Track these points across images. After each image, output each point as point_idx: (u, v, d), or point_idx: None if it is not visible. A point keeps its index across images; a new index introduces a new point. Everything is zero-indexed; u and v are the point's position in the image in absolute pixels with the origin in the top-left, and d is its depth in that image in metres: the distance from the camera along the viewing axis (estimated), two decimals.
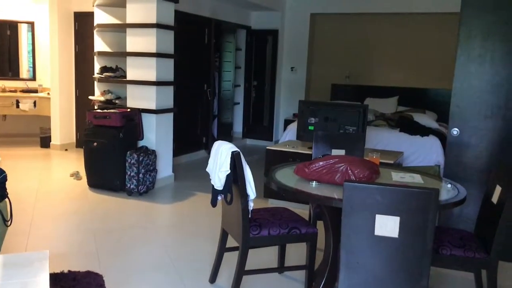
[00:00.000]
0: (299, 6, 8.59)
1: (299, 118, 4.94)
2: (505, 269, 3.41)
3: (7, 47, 8.10)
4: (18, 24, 8.09)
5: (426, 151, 5.82)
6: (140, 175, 5.07)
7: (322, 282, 2.80)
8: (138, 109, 5.37)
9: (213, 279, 3.14)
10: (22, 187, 5.35)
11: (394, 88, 8.17)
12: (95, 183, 5.32)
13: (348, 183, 2.03)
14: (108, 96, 5.90)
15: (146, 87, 5.35)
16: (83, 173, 5.54)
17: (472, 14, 3.58)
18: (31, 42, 8.19)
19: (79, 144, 7.44)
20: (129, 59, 5.44)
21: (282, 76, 8.89)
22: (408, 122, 6.37)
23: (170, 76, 5.56)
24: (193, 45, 7.12)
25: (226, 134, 8.44)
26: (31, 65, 8.26)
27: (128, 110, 5.36)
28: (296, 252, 3.58)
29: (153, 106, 5.36)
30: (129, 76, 5.46)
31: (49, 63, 7.45)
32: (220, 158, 2.75)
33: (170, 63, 5.54)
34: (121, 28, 5.58)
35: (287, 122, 8.34)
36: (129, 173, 5.09)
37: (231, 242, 3.02)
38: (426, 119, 6.58)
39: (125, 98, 5.61)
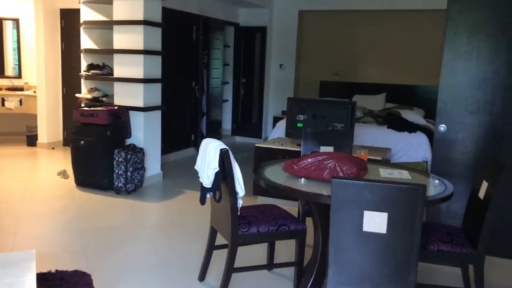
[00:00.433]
0: (287, 3, 8.58)
1: (287, 115, 4.94)
2: (492, 264, 3.44)
3: None
4: (3, 21, 7.99)
5: (413, 148, 5.87)
6: (128, 174, 5.04)
7: (311, 278, 2.81)
8: (126, 106, 5.33)
9: (202, 277, 3.13)
10: (8, 186, 5.29)
11: (382, 85, 8.22)
12: (82, 182, 5.27)
13: (336, 180, 2.03)
14: (95, 94, 5.85)
15: (133, 84, 5.31)
16: (70, 171, 5.49)
17: (458, 11, 3.61)
18: (16, 40, 8.10)
19: (66, 142, 7.37)
20: (116, 57, 5.39)
21: (271, 73, 8.89)
22: (396, 118, 6.41)
23: (157, 73, 5.53)
24: (181, 42, 7.08)
25: (215, 132, 8.42)
26: (17, 63, 8.16)
27: (116, 108, 5.32)
28: (285, 249, 3.58)
29: (140, 104, 5.32)
30: (116, 74, 5.42)
31: (35, 60, 7.37)
32: (208, 156, 2.74)
33: (157, 60, 5.50)
34: (108, 25, 5.53)
35: (276, 119, 8.34)
36: (117, 171, 5.05)
37: (220, 240, 3.01)
38: (413, 116, 6.62)
39: (113, 96, 5.57)
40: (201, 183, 2.83)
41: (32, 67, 7.72)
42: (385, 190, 2.01)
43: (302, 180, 2.68)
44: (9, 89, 7.79)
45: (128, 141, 5.37)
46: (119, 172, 5.04)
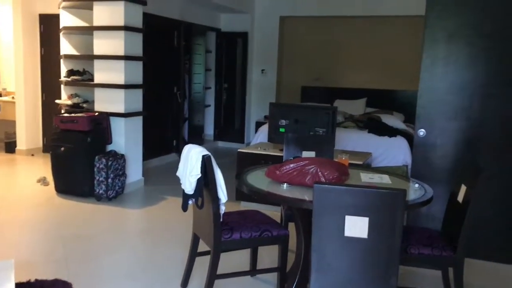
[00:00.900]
0: (268, 9, 8.63)
1: (270, 120, 4.96)
2: (471, 266, 3.50)
3: None
4: None
5: (394, 152, 5.93)
6: (109, 180, 4.99)
7: (294, 283, 2.82)
8: (106, 112, 5.29)
9: (184, 284, 3.11)
10: None
11: (363, 90, 8.31)
12: (62, 189, 5.20)
13: (318, 185, 2.05)
14: (75, 100, 5.78)
15: (114, 90, 5.27)
16: (50, 178, 5.41)
17: (436, 18, 3.68)
18: None
19: (46, 149, 7.26)
20: (97, 62, 5.35)
21: (253, 78, 8.92)
22: (377, 123, 6.48)
23: (139, 79, 5.50)
24: (162, 47, 7.06)
25: (197, 137, 8.40)
26: None
27: (96, 114, 5.26)
28: (268, 254, 3.59)
29: (121, 110, 5.28)
30: (97, 80, 5.37)
31: (13, 66, 7.25)
32: (190, 162, 2.73)
33: (138, 65, 5.47)
34: (88, 30, 5.48)
35: (258, 124, 8.35)
36: (97, 178, 5.00)
37: (202, 246, 3.00)
38: (393, 120, 6.70)
39: (93, 102, 5.52)
40: (183, 190, 2.82)
41: (10, 73, 7.60)
42: (365, 195, 2.04)
43: (285, 185, 2.69)
44: None
45: (109, 147, 5.32)
46: (100, 179, 4.99)
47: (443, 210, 3.01)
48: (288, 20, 8.86)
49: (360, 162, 4.40)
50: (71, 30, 5.74)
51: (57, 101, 6.01)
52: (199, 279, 3.18)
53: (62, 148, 5.08)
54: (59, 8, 5.85)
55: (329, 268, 2.13)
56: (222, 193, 2.72)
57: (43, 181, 5.65)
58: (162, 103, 7.17)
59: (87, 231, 4.21)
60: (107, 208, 4.85)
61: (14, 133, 7.38)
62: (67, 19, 5.82)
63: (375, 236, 2.05)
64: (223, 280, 3.08)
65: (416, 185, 2.90)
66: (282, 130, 4.86)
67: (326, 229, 2.08)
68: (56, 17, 6.18)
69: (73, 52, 5.89)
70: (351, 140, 5.94)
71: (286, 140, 3.67)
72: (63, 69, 5.91)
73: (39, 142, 7.47)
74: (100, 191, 5.00)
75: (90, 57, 5.43)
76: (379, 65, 8.39)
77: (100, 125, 5.21)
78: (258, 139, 6.16)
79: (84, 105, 5.75)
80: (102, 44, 5.26)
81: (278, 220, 3.39)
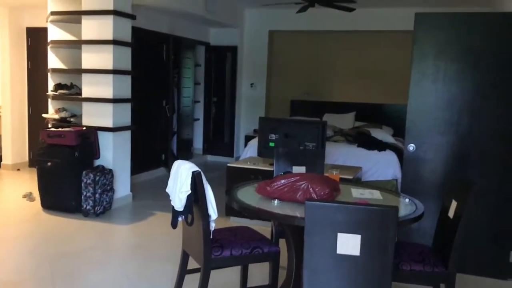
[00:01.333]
0: (258, 23, 8.67)
1: (259, 134, 4.94)
2: (463, 281, 3.49)
3: None
4: None
5: (383, 166, 5.94)
6: (97, 196, 4.92)
7: None
8: (94, 127, 5.23)
9: None
10: None
11: (351, 103, 8.35)
12: (49, 205, 5.12)
13: (310, 202, 2.03)
14: (63, 114, 5.72)
15: (102, 104, 5.22)
16: (36, 194, 5.32)
17: (424, 34, 3.71)
18: None
19: (32, 163, 7.17)
20: (85, 76, 5.30)
21: (242, 92, 8.92)
22: (366, 137, 6.50)
23: (127, 93, 5.46)
24: (151, 61, 7.04)
25: (186, 151, 8.35)
26: None
27: (84, 128, 5.21)
28: (259, 271, 3.54)
29: (109, 124, 5.23)
30: (85, 94, 5.32)
31: None
32: (180, 178, 2.69)
33: (127, 79, 5.44)
34: (77, 44, 5.44)
35: (247, 138, 8.34)
36: (85, 193, 4.93)
37: (192, 263, 2.95)
38: (382, 134, 6.73)
39: (81, 116, 5.46)
40: (173, 206, 2.77)
41: None
42: (357, 212, 2.02)
43: (276, 201, 2.67)
44: None
45: (97, 162, 5.25)
46: (87, 194, 4.91)
47: (434, 225, 3.01)
48: (277, 35, 8.91)
49: (351, 177, 4.39)
50: (59, 44, 5.71)
51: (44, 115, 5.94)
52: None
53: (49, 163, 5.01)
54: (47, 21, 5.82)
55: (321, 286, 2.10)
56: (213, 209, 2.68)
57: (29, 196, 5.55)
58: (151, 117, 7.13)
59: (74, 248, 4.13)
60: (94, 224, 4.77)
61: (0, 148, 7.27)
62: (55, 33, 5.78)
63: (367, 253, 2.03)
64: None
65: (407, 200, 2.89)
66: (271, 144, 4.84)
67: (318, 246, 2.06)
68: (43, 31, 6.15)
69: (61, 66, 5.84)
70: (340, 154, 5.95)
71: (276, 155, 3.65)
72: (51, 83, 5.86)
73: (25, 156, 7.37)
74: (88, 207, 4.93)
75: (78, 71, 5.39)
76: (367, 79, 8.46)
77: (88, 139, 5.15)
78: (247, 153, 6.14)
79: (72, 119, 5.69)
80: (91, 58, 5.23)
81: (269, 236, 3.35)
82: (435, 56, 3.71)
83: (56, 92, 5.67)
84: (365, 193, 2.97)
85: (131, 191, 5.71)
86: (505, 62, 3.58)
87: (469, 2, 6.77)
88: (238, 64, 8.71)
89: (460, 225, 2.52)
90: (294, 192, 2.63)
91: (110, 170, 5.14)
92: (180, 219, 2.80)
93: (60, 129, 5.15)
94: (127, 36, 5.36)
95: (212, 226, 2.72)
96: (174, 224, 2.80)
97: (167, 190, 2.87)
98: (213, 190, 2.70)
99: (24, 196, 5.57)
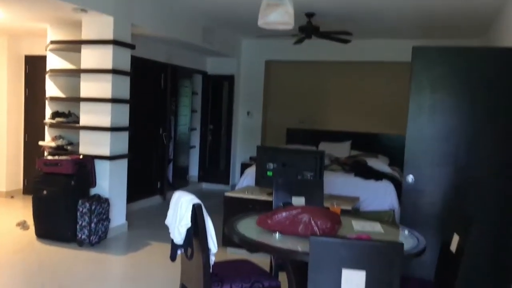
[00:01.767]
0: (254, 53, 8.77)
1: (257, 163, 4.94)
2: None
3: None
4: None
5: (380, 196, 5.92)
6: (92, 225, 4.86)
7: None
8: (91, 155, 5.20)
9: None
10: None
11: (347, 132, 8.39)
12: (43, 233, 5.04)
13: (314, 238, 2.01)
14: (60, 142, 5.70)
15: (100, 132, 5.21)
16: (30, 222, 5.25)
17: (422, 67, 3.76)
18: None
19: (26, 190, 7.10)
20: (83, 104, 5.31)
21: (239, 120, 8.95)
22: (362, 166, 6.50)
23: (125, 122, 5.46)
24: (149, 89, 7.07)
25: (181, 178, 8.31)
26: None
27: (81, 156, 5.18)
28: None
29: (107, 153, 5.21)
30: (83, 122, 5.31)
31: None
32: (180, 211, 2.67)
33: (125, 108, 5.45)
34: (76, 73, 5.47)
35: (244, 166, 8.32)
36: (80, 222, 4.87)
37: None
38: (379, 164, 6.74)
39: (77, 144, 5.43)
40: (172, 239, 2.74)
41: None
42: (362, 248, 2.00)
43: (277, 235, 2.64)
44: None
45: (93, 191, 5.20)
46: (83, 224, 4.85)
47: (433, 257, 2.98)
48: (273, 64, 9.01)
49: (349, 207, 4.38)
50: (58, 72, 5.73)
51: (40, 142, 5.91)
52: None
53: (45, 192, 4.96)
54: (46, 50, 5.85)
55: None
56: (213, 243, 2.65)
57: (23, 224, 5.47)
58: (148, 145, 7.11)
59: (69, 279, 4.05)
60: (89, 254, 4.69)
61: None
62: (54, 62, 5.82)
63: None
64: None
65: (406, 232, 2.89)
66: (269, 173, 4.84)
67: (322, 283, 2.03)
68: (41, 59, 6.18)
69: (59, 94, 5.85)
70: (337, 184, 5.93)
71: (275, 186, 3.64)
72: (48, 111, 5.85)
73: (19, 183, 7.30)
74: (83, 236, 4.86)
75: (77, 99, 5.39)
76: (363, 108, 8.53)
77: (85, 168, 5.11)
78: (244, 182, 6.11)
79: (68, 147, 5.67)
80: (89, 87, 5.24)
81: (267, 268, 3.31)
82: (432, 88, 3.75)
83: (53, 120, 5.66)
84: (366, 226, 2.96)
85: (126, 220, 5.64)
86: (502, 95, 3.63)
87: (464, 34, 6.92)
88: (235, 93, 8.77)
89: (463, 260, 2.51)
90: (296, 225, 2.61)
91: (106, 199, 5.10)
92: (179, 252, 2.76)
93: (56, 157, 5.12)
94: (127, 65, 5.40)
95: (212, 259, 2.68)
96: (173, 257, 2.77)
97: (166, 222, 2.84)
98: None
99: (18, 225, 5.49)
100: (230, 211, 4.73)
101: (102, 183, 5.22)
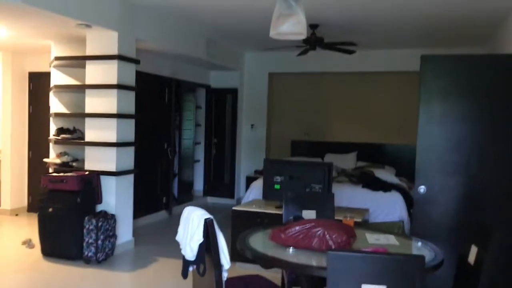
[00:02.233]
0: (257, 66, 8.77)
1: (264, 177, 4.88)
2: None
3: None
4: None
5: (389, 207, 5.86)
6: (99, 242, 4.79)
7: None
8: (97, 171, 5.16)
9: None
10: None
11: (352, 144, 8.34)
12: (49, 252, 4.97)
13: (333, 253, 1.95)
14: (65, 159, 5.66)
15: (106, 148, 5.17)
16: (36, 240, 5.19)
17: (431, 75, 3.72)
18: None
19: (31, 208, 7.05)
20: (88, 120, 5.28)
21: (243, 133, 8.92)
22: (370, 177, 6.44)
23: (131, 137, 5.43)
24: (154, 104, 7.05)
25: (186, 193, 8.25)
26: None
27: (86, 173, 5.13)
28: None
29: (113, 168, 5.17)
30: (88, 138, 5.28)
31: (0, 123, 7.14)
32: (191, 226, 2.61)
33: (131, 123, 5.42)
34: (80, 89, 5.45)
35: (248, 179, 8.26)
36: (87, 239, 4.80)
37: None
38: (386, 175, 6.67)
39: (83, 160, 5.39)
40: (183, 256, 2.68)
41: None
42: (383, 262, 1.94)
43: (291, 249, 2.58)
44: None
45: (99, 207, 5.15)
46: (90, 241, 4.79)
47: (446, 269, 2.90)
48: (277, 76, 8.99)
49: (359, 220, 4.31)
50: (62, 88, 5.71)
51: (45, 159, 5.87)
52: None
53: (50, 209, 4.91)
54: (50, 66, 5.85)
55: None
56: (225, 258, 2.59)
57: (28, 243, 5.41)
58: (153, 160, 7.07)
59: None
60: (96, 272, 4.62)
61: None
62: (58, 78, 5.80)
63: None
64: None
65: (419, 244, 2.83)
66: (277, 187, 4.78)
67: None
68: (45, 75, 6.17)
69: (63, 110, 5.83)
70: (345, 195, 5.87)
71: (285, 200, 3.58)
72: (53, 127, 5.83)
73: (24, 201, 7.25)
74: (90, 254, 4.79)
75: (82, 115, 5.37)
76: (368, 119, 8.49)
77: (90, 184, 5.06)
78: (250, 196, 6.05)
79: (74, 163, 5.62)
80: (94, 102, 5.22)
81: (279, 283, 3.24)
82: (442, 97, 3.71)
83: (58, 136, 5.63)
84: (380, 239, 2.90)
85: (133, 236, 5.58)
86: None
87: (468, 42, 6.90)
88: (239, 106, 8.75)
89: (483, 272, 2.44)
90: (310, 240, 2.55)
91: (113, 215, 5.04)
92: (191, 268, 2.70)
93: (62, 174, 5.08)
94: (131, 80, 5.38)
95: (225, 276, 2.62)
96: (184, 274, 2.70)
97: (177, 238, 2.78)
98: None
99: (24, 243, 5.43)
100: (237, 225, 4.67)
101: (108, 199, 5.17)
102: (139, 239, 5.73)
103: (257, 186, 5.95)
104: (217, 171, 9.00)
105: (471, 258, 2.61)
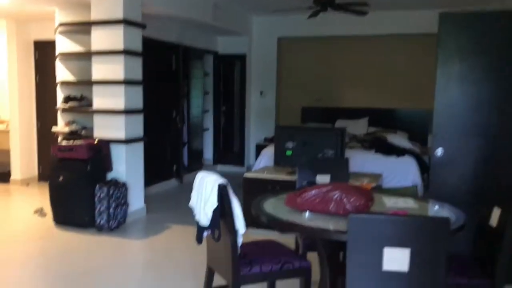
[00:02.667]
0: (266, 31, 8.56)
1: (276, 143, 4.81)
2: None
3: None
4: None
5: (402, 172, 5.78)
6: (111, 210, 4.78)
7: None
8: (106, 139, 5.10)
9: None
10: None
11: (364, 109, 8.20)
12: (61, 220, 4.98)
13: (354, 216, 1.88)
14: (73, 127, 5.61)
15: (114, 116, 5.10)
16: (48, 209, 5.19)
17: (449, 34, 3.57)
18: None
19: (41, 177, 7.05)
20: (96, 88, 5.18)
21: (251, 100, 8.79)
22: (383, 142, 6.34)
23: (139, 104, 5.34)
24: (161, 71, 6.92)
25: (196, 161, 8.21)
26: None
27: (95, 141, 5.08)
28: (286, 286, 3.37)
29: (122, 136, 5.10)
30: (96, 105, 5.20)
31: (7, 94, 7.08)
32: (205, 192, 2.55)
33: (138, 90, 5.32)
34: (87, 56, 5.33)
35: (258, 147, 8.19)
36: (98, 207, 4.79)
37: (216, 280, 2.80)
38: (399, 139, 6.57)
39: (91, 128, 5.33)
40: (197, 222, 2.63)
41: (4, 101, 7.40)
42: (406, 225, 1.87)
43: (307, 213, 2.51)
44: None
45: (110, 176, 5.11)
46: (101, 209, 4.77)
47: (465, 233, 2.83)
48: (286, 41, 8.78)
49: (374, 184, 4.23)
50: (68, 56, 5.60)
51: (53, 129, 5.82)
52: None
53: (61, 178, 4.88)
54: (55, 33, 5.72)
55: None
56: (240, 223, 2.54)
57: (40, 212, 5.42)
58: (162, 128, 7.00)
59: (89, 266, 3.98)
60: (109, 240, 4.62)
61: (8, 163, 7.15)
62: (64, 45, 5.69)
63: (417, 269, 1.88)
64: None
65: (436, 207, 2.77)
66: (288, 153, 4.71)
67: (362, 263, 1.91)
68: (51, 44, 6.05)
69: (70, 78, 5.74)
70: (358, 161, 5.77)
71: (299, 165, 3.50)
72: (60, 96, 5.75)
73: (34, 171, 7.25)
74: (102, 222, 4.78)
75: (89, 83, 5.27)
76: (379, 83, 8.31)
77: (100, 152, 5.01)
78: (261, 163, 5.99)
79: (83, 132, 5.57)
80: (101, 69, 5.11)
81: (293, 247, 3.20)
82: (461, 57, 3.56)
83: (66, 104, 5.55)
84: (399, 202, 2.82)
85: (144, 203, 5.56)
86: None
87: (481, 1, 6.62)
88: (247, 73, 8.59)
89: (506, 234, 2.36)
90: (326, 203, 2.48)
91: (124, 183, 5.01)
92: (205, 234, 2.65)
93: (71, 142, 5.03)
94: (138, 46, 5.25)
95: (240, 241, 2.57)
96: (199, 240, 2.66)
97: (191, 204, 2.73)
98: None
99: (35, 212, 5.44)
100: (249, 192, 4.62)
101: (119, 167, 5.13)
102: (151, 207, 5.71)
103: (268, 153, 5.88)
104: (226, 139, 8.93)
105: (493, 220, 2.53)
